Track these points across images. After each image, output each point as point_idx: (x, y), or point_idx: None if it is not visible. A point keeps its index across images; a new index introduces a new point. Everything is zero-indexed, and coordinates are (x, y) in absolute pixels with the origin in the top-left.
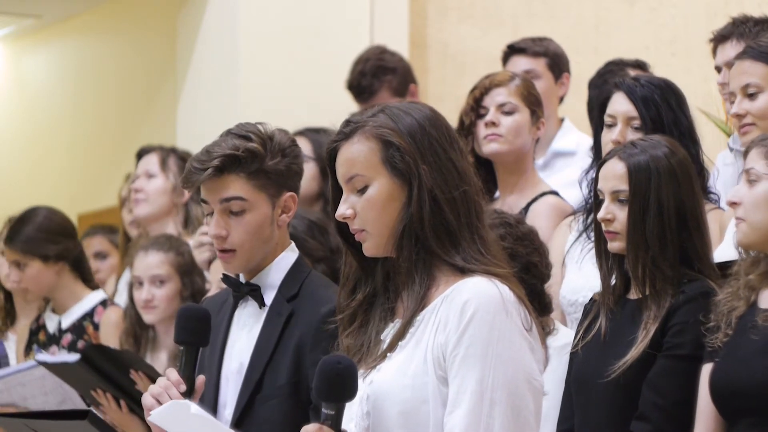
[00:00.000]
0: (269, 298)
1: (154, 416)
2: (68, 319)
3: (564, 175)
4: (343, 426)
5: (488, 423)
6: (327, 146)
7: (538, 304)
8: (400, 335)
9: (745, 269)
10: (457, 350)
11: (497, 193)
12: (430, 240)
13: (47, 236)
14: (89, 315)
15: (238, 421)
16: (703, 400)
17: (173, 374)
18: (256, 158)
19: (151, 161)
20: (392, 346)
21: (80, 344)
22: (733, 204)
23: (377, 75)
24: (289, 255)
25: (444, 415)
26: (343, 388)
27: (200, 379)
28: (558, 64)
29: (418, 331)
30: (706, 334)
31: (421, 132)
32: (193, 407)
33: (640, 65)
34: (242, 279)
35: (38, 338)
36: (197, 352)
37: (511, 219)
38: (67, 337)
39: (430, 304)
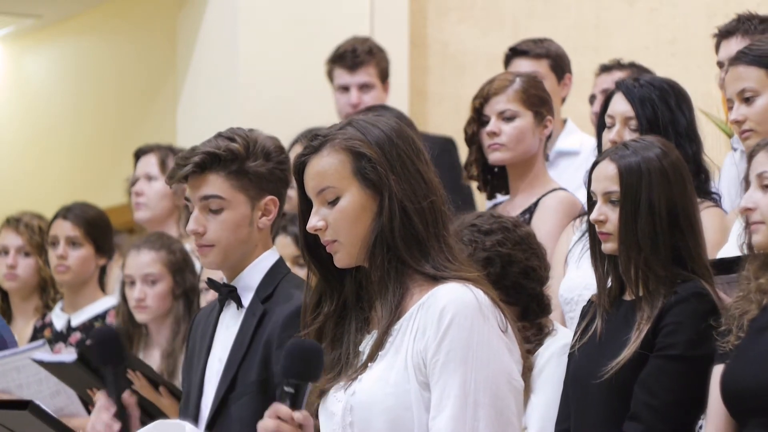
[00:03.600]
0: (247, 299)
1: None
2: (78, 318)
3: (567, 175)
4: None
5: (473, 425)
6: (295, 160)
7: (537, 305)
8: (379, 345)
9: (754, 273)
10: (437, 356)
11: (499, 197)
12: (400, 249)
13: (107, 228)
14: (101, 317)
15: (213, 419)
16: (713, 401)
17: (102, 398)
18: (237, 159)
19: (150, 162)
20: (372, 356)
21: (89, 342)
22: (747, 210)
23: (372, 51)
24: (269, 257)
25: (427, 420)
26: (306, 366)
27: (125, 397)
28: (560, 65)
29: (396, 339)
30: (717, 338)
31: (389, 143)
32: (189, 427)
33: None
34: (223, 281)
35: (43, 335)
36: (120, 371)
37: (508, 223)
38: (76, 335)
39: (407, 313)
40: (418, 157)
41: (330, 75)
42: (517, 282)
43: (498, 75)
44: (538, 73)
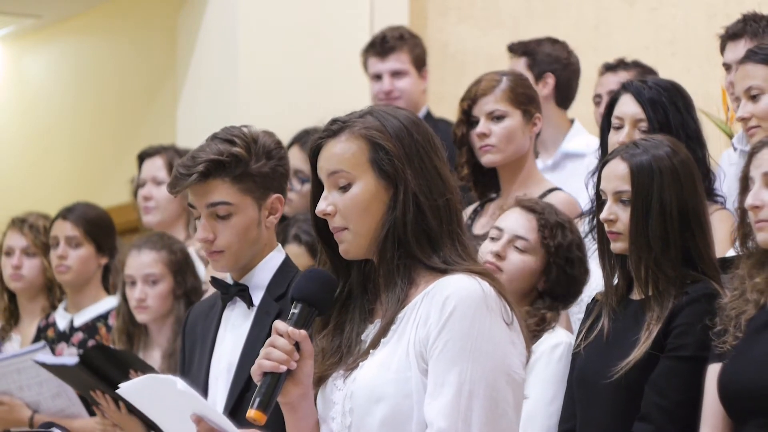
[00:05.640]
0: (257, 298)
1: (123, 389)
2: (81, 318)
3: (573, 176)
4: (327, 426)
5: (466, 414)
6: (311, 142)
7: (564, 293)
8: (383, 333)
9: (748, 272)
10: (437, 343)
11: (494, 195)
12: (412, 245)
13: (108, 228)
14: (104, 317)
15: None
16: (709, 401)
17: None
18: (241, 162)
19: (157, 165)
20: (375, 344)
21: (90, 343)
22: (755, 208)
23: (403, 36)
24: (277, 255)
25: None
26: (319, 293)
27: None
28: (538, 64)
29: (400, 327)
30: (712, 339)
31: (408, 136)
32: (180, 383)
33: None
34: (230, 280)
35: (47, 335)
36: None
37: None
38: (78, 335)
39: (411, 301)
40: (436, 153)
41: (365, 66)
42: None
43: (484, 75)
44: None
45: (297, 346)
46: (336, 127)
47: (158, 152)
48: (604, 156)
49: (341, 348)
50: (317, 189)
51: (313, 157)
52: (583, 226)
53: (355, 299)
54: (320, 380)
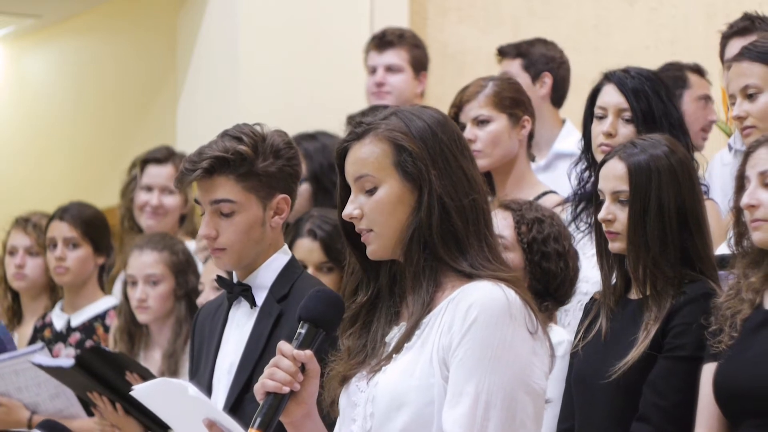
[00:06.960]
0: (260, 298)
1: (137, 391)
2: (78, 318)
3: (565, 176)
4: (347, 427)
5: (483, 425)
6: (337, 146)
7: (552, 291)
8: (407, 337)
9: (743, 271)
10: (457, 351)
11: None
12: (437, 246)
13: (104, 227)
14: (101, 317)
15: None
16: (704, 401)
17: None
18: (246, 160)
19: (165, 174)
20: (398, 348)
21: (88, 344)
22: (751, 207)
23: (404, 35)
24: (282, 256)
25: None
26: (325, 314)
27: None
28: (534, 65)
29: (424, 333)
30: (708, 338)
31: (432, 137)
32: (191, 389)
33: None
34: (236, 279)
35: (43, 335)
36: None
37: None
38: (76, 336)
39: (436, 307)
40: (462, 153)
41: (366, 63)
42: (546, 254)
43: (472, 81)
44: (509, 73)
45: (302, 366)
46: (360, 130)
47: (168, 159)
48: (587, 147)
49: (366, 348)
50: (344, 192)
51: (340, 160)
52: (565, 214)
53: (383, 300)
54: (344, 379)
